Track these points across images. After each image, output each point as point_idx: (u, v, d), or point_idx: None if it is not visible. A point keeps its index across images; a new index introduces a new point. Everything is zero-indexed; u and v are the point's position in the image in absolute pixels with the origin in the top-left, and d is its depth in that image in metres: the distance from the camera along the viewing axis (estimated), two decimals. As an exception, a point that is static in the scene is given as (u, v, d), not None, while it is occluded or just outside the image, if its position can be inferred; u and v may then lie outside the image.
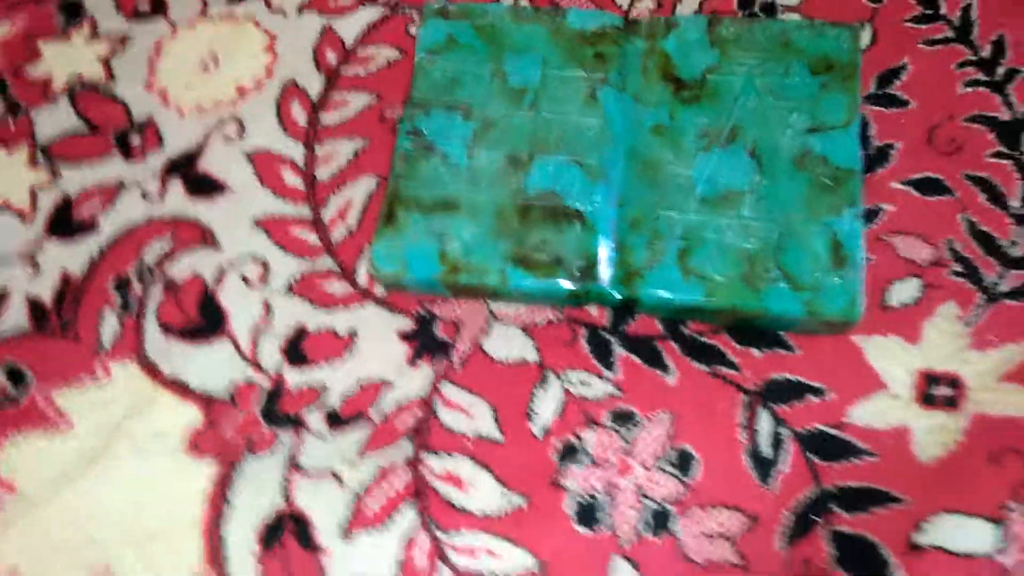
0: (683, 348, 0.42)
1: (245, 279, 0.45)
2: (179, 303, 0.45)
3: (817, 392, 0.41)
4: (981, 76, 0.47)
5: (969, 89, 0.47)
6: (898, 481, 0.39)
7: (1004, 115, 0.46)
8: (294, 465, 0.41)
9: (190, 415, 0.42)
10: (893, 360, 0.41)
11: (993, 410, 0.40)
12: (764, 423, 0.40)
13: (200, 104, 0.50)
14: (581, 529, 0.39)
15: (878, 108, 0.47)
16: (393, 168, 0.44)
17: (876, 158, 0.45)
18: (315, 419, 0.42)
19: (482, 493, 0.40)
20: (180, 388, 0.43)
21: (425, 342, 0.43)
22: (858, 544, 0.38)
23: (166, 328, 0.44)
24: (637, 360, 0.42)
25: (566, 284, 0.41)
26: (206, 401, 0.43)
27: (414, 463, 0.41)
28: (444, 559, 0.39)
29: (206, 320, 0.45)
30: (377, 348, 0.43)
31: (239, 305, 0.45)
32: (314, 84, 0.50)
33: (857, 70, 0.44)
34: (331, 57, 0.51)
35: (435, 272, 0.42)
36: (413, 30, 0.51)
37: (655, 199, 0.42)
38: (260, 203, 0.47)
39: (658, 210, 0.42)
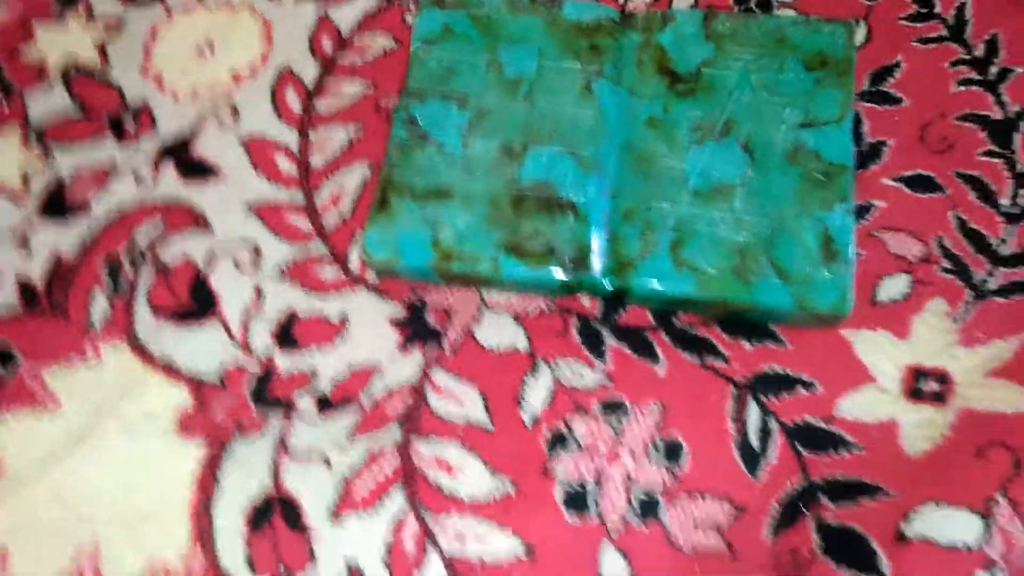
0: (674, 339, 0.42)
1: (237, 263, 0.45)
2: (170, 286, 0.45)
3: (806, 385, 0.41)
4: (974, 75, 0.47)
5: (962, 88, 0.47)
6: (885, 474, 0.39)
7: (996, 114, 0.46)
8: (284, 448, 0.41)
9: (180, 397, 0.42)
10: (882, 354, 0.41)
11: (980, 405, 0.40)
12: (753, 415, 0.41)
13: (195, 89, 0.50)
14: (570, 516, 0.39)
15: (871, 105, 0.47)
16: (387, 156, 0.44)
17: (868, 155, 0.46)
18: (305, 403, 0.42)
19: (471, 479, 0.40)
20: (170, 370, 0.43)
21: (416, 329, 0.43)
22: (845, 535, 0.38)
23: (157, 310, 0.44)
24: (628, 350, 0.42)
25: (558, 274, 0.41)
26: (196, 383, 0.43)
27: (404, 448, 0.41)
28: (433, 543, 0.39)
29: (197, 303, 0.44)
30: (368, 334, 0.43)
31: (230, 289, 0.45)
32: (309, 72, 0.50)
33: (851, 66, 0.45)
34: (327, 45, 0.51)
35: (427, 259, 0.42)
36: (409, 19, 0.51)
37: (648, 191, 0.42)
38: (253, 188, 0.47)
39: (651, 202, 0.42)
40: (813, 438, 0.40)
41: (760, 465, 0.40)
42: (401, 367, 0.42)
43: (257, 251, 0.45)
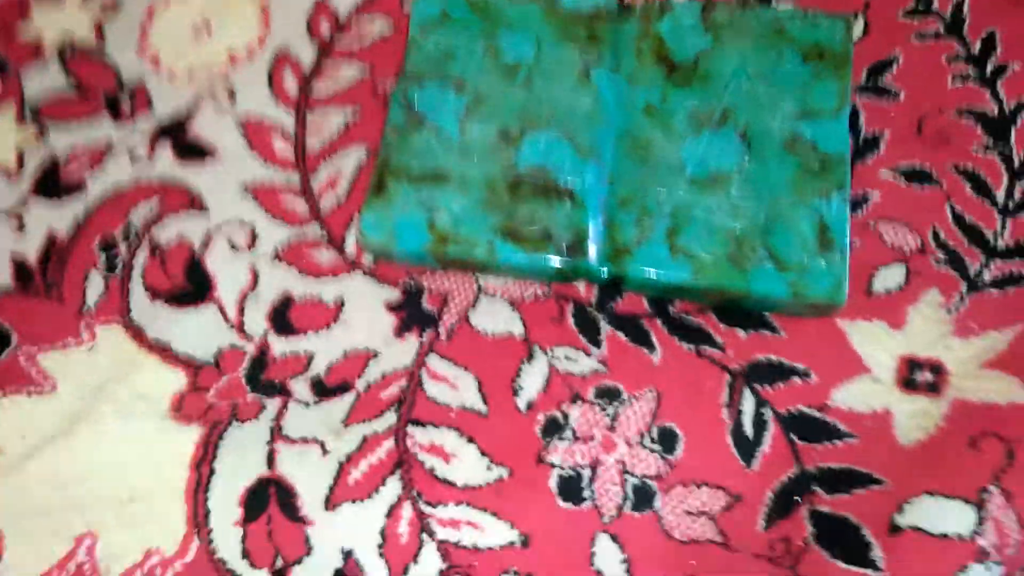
0: (669, 327, 0.42)
1: (232, 245, 0.45)
2: (166, 267, 0.45)
3: (801, 374, 0.41)
4: (971, 71, 0.47)
5: (959, 83, 0.47)
6: (879, 464, 0.39)
7: (992, 110, 0.46)
8: (279, 432, 0.41)
9: (175, 379, 0.42)
10: (877, 345, 0.41)
11: (974, 396, 0.40)
12: (748, 403, 0.41)
13: (191, 70, 0.49)
14: (564, 504, 0.39)
15: (868, 99, 0.47)
16: (384, 139, 0.44)
17: (865, 147, 0.46)
18: (300, 387, 0.42)
19: (466, 465, 0.40)
20: (165, 352, 0.43)
21: (412, 313, 0.43)
22: (838, 524, 0.38)
23: (152, 292, 0.44)
24: (623, 337, 0.42)
25: (554, 259, 0.41)
26: (191, 366, 0.42)
27: (399, 434, 0.41)
28: (427, 530, 0.39)
29: (192, 285, 0.44)
30: (364, 318, 0.43)
31: (226, 271, 0.44)
32: (307, 54, 0.50)
33: (849, 59, 0.45)
34: (325, 28, 0.50)
35: (423, 243, 0.42)
36: (407, 3, 0.51)
37: (645, 178, 0.42)
38: (249, 170, 0.47)
39: (647, 189, 0.42)
40: (807, 427, 0.40)
41: (754, 454, 0.40)
42: (397, 352, 0.42)
43: (253, 233, 0.45)
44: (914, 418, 0.40)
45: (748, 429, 0.40)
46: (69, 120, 0.48)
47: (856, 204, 0.44)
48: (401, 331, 0.43)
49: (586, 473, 0.40)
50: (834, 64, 0.45)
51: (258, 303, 0.44)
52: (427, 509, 0.39)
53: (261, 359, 0.42)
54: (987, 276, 0.43)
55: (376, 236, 0.42)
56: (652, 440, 0.40)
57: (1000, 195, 0.44)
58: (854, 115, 0.46)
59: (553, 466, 0.40)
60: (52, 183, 0.47)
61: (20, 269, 0.45)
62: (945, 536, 0.37)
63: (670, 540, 0.39)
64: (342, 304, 0.44)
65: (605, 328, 0.43)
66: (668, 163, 0.43)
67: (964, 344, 0.41)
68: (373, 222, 0.42)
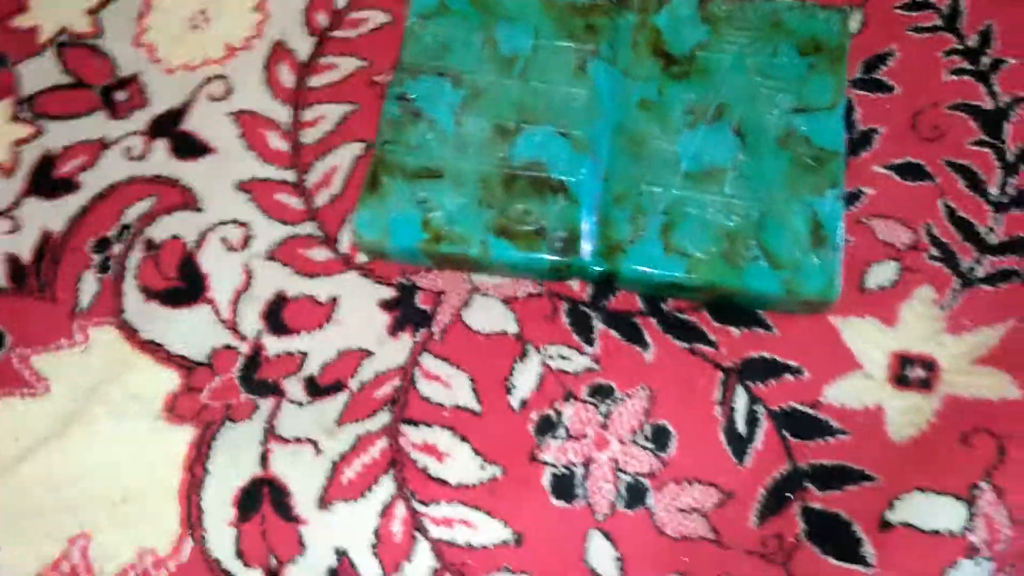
0: (662, 324, 0.43)
1: (227, 243, 0.45)
2: (159, 265, 0.44)
3: (793, 371, 0.41)
4: (967, 65, 0.47)
5: (954, 77, 0.47)
6: (871, 460, 0.39)
7: (987, 104, 0.46)
8: (272, 432, 0.41)
9: (168, 379, 0.42)
10: (869, 341, 0.41)
11: (966, 392, 0.40)
12: (740, 401, 0.41)
13: (187, 62, 0.49)
14: (557, 502, 0.40)
15: (864, 92, 0.47)
16: (379, 133, 0.44)
17: (860, 142, 0.46)
18: (294, 387, 0.42)
19: (459, 464, 0.40)
20: (158, 352, 0.43)
21: (406, 312, 0.43)
22: (830, 521, 0.39)
23: (145, 291, 0.44)
24: (616, 335, 0.42)
25: (548, 256, 0.41)
26: (185, 366, 0.42)
27: (392, 433, 0.41)
28: (420, 529, 0.39)
29: (186, 283, 0.44)
30: (358, 317, 0.43)
31: (219, 269, 0.44)
32: (303, 46, 0.49)
33: (845, 53, 0.45)
34: (321, 19, 0.50)
35: (418, 240, 0.41)
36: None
37: (640, 174, 0.42)
38: (244, 166, 0.46)
39: (642, 185, 0.42)
40: (799, 424, 0.40)
41: (747, 451, 0.40)
42: (390, 351, 0.42)
43: (247, 230, 0.45)
44: (906, 414, 0.40)
45: (741, 426, 0.40)
46: (65, 115, 0.48)
47: (850, 200, 0.44)
48: (395, 330, 0.43)
49: (579, 471, 0.40)
50: (830, 58, 0.44)
51: (252, 302, 0.44)
52: (420, 508, 0.40)
53: (255, 359, 0.42)
54: (980, 272, 0.43)
55: (370, 234, 0.42)
56: (645, 438, 0.40)
57: (993, 190, 0.44)
58: (849, 109, 0.46)
59: (546, 464, 0.40)
60: (46, 180, 0.46)
61: (15, 267, 0.45)
62: (936, 532, 0.38)
63: (663, 537, 0.39)
64: (336, 303, 0.43)
65: (598, 326, 0.43)
66: (663, 158, 0.43)
67: (956, 340, 0.41)
68: (368, 220, 0.42)
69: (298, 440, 0.41)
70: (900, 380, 0.41)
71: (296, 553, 0.39)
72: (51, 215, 0.46)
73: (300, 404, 0.41)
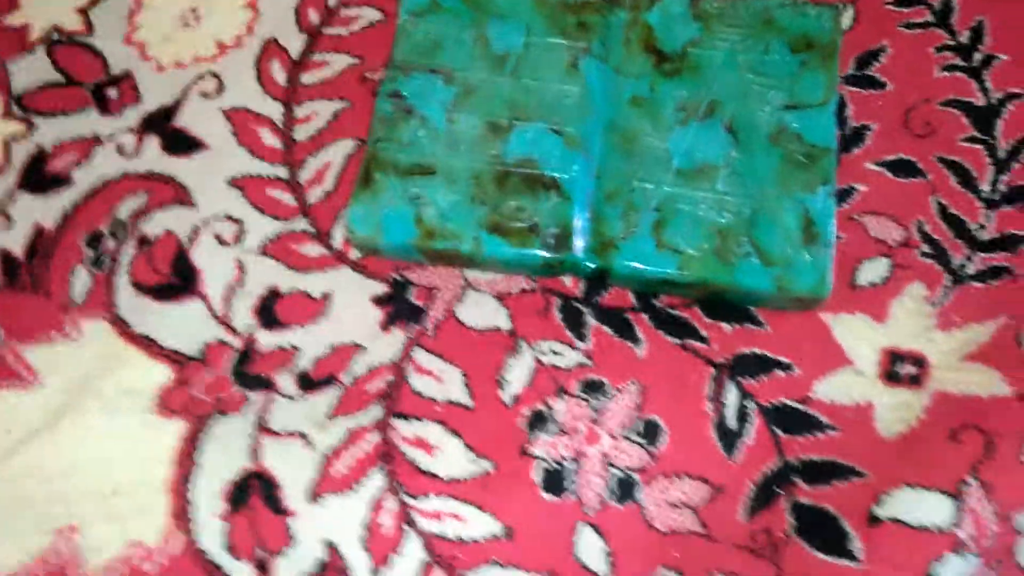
0: (654, 320, 0.43)
1: (219, 238, 0.45)
2: (152, 261, 0.45)
3: (784, 367, 0.41)
4: (959, 61, 0.47)
5: (946, 73, 0.47)
6: (860, 455, 0.39)
7: (979, 100, 0.46)
8: (263, 426, 0.41)
9: (160, 373, 0.42)
10: (860, 338, 0.42)
11: (956, 389, 0.40)
12: (731, 396, 0.41)
13: (179, 59, 0.49)
14: (547, 496, 0.40)
15: (856, 89, 0.47)
16: (371, 130, 0.44)
17: (852, 138, 0.46)
18: (286, 381, 0.42)
19: (450, 458, 0.40)
20: (151, 346, 0.43)
21: (399, 307, 0.43)
22: (819, 515, 0.39)
23: (138, 286, 0.44)
24: (609, 331, 0.43)
25: (540, 253, 0.41)
26: (177, 360, 0.43)
27: (383, 427, 0.41)
28: (410, 523, 0.39)
29: (179, 278, 0.44)
30: (350, 312, 0.43)
31: (212, 264, 0.44)
32: (295, 43, 0.49)
33: (836, 50, 0.45)
34: (313, 16, 0.50)
35: (410, 237, 0.42)
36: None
37: (632, 170, 0.42)
38: (236, 162, 0.47)
39: (634, 181, 0.42)
40: (790, 420, 0.40)
41: (737, 446, 0.40)
42: (382, 346, 0.42)
43: (240, 226, 0.45)
44: (896, 411, 0.40)
45: (731, 422, 0.41)
46: (56, 112, 0.48)
47: (842, 196, 0.44)
48: (387, 325, 0.43)
49: (570, 466, 0.40)
50: (822, 55, 0.45)
51: (244, 297, 0.44)
52: (411, 501, 0.40)
53: (247, 353, 0.43)
54: (971, 269, 0.43)
55: (363, 230, 0.42)
56: (636, 433, 0.41)
57: (985, 187, 0.44)
58: (841, 106, 0.46)
59: (537, 459, 0.40)
60: (39, 176, 0.47)
61: (7, 262, 0.45)
62: (923, 527, 0.38)
63: (652, 531, 0.39)
64: (329, 298, 0.44)
65: (591, 322, 0.43)
66: (655, 155, 0.43)
67: (946, 337, 0.41)
68: (360, 216, 0.42)
69: (289, 434, 0.41)
70: (890, 376, 0.41)
71: (286, 545, 0.39)
72: (43, 211, 0.46)
73: (292, 398, 0.42)
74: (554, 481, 0.40)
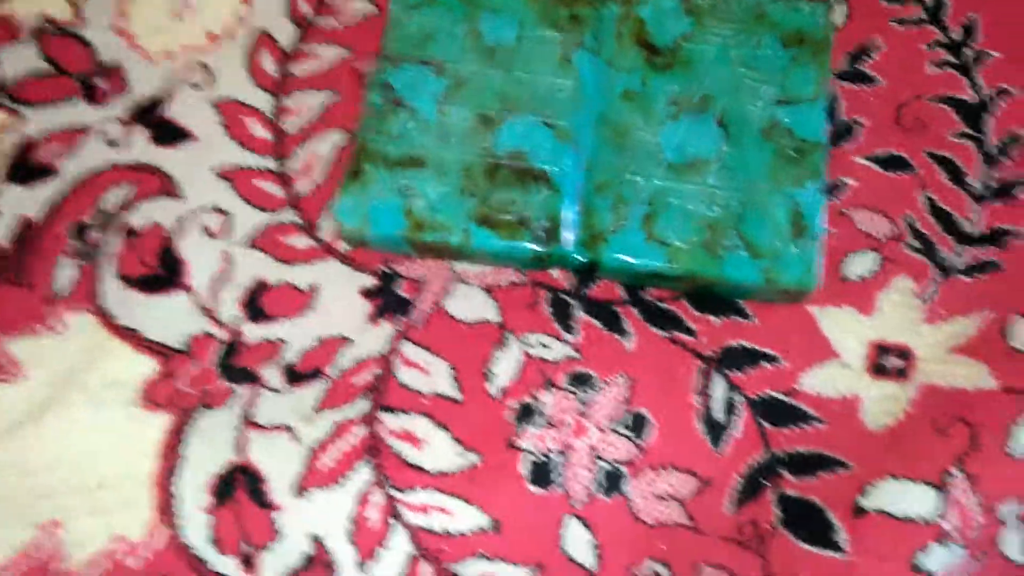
0: (643, 313, 0.43)
1: (206, 230, 0.45)
2: (138, 252, 0.44)
3: (771, 359, 0.41)
4: (950, 58, 0.47)
5: (938, 70, 0.47)
6: (846, 448, 0.40)
7: (970, 97, 0.46)
8: (249, 419, 0.41)
9: (146, 366, 0.42)
10: (847, 330, 0.42)
11: (942, 381, 0.40)
12: (718, 389, 0.41)
13: (169, 50, 0.49)
14: (534, 489, 0.40)
15: (848, 84, 0.47)
16: (362, 122, 0.43)
17: (843, 133, 0.46)
18: (272, 374, 0.42)
19: (437, 451, 0.40)
20: (136, 339, 0.43)
21: (387, 300, 0.43)
22: (804, 507, 0.39)
23: (124, 278, 0.44)
24: (597, 324, 0.42)
25: (530, 245, 0.41)
26: (162, 352, 0.42)
27: (370, 420, 0.41)
28: (397, 516, 0.39)
29: (165, 270, 0.44)
30: (338, 304, 0.43)
31: (199, 256, 0.44)
32: (286, 35, 0.49)
33: (828, 45, 0.45)
34: (305, 8, 0.50)
35: (399, 229, 0.41)
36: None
37: (622, 164, 0.42)
38: (225, 153, 0.46)
39: (625, 174, 0.42)
40: (776, 412, 0.40)
41: (724, 438, 0.40)
42: (370, 338, 0.42)
43: (227, 218, 0.45)
44: (882, 403, 0.40)
45: (718, 414, 0.41)
46: (44, 102, 0.48)
47: (832, 191, 0.44)
48: (375, 317, 0.43)
49: (557, 459, 0.40)
50: (813, 50, 0.45)
51: (231, 289, 0.43)
52: (397, 495, 0.40)
53: (233, 346, 0.42)
54: (958, 263, 0.43)
55: (351, 222, 0.42)
56: (623, 425, 0.41)
57: (974, 182, 0.44)
58: (833, 101, 0.46)
59: (524, 451, 0.40)
60: (25, 167, 0.46)
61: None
62: (909, 519, 0.38)
63: (639, 524, 0.39)
64: (316, 290, 0.43)
65: (579, 315, 0.43)
66: (646, 149, 0.43)
67: (933, 330, 0.41)
68: (349, 208, 0.42)
69: (275, 427, 0.41)
70: (877, 369, 0.41)
71: (271, 540, 0.39)
72: (29, 201, 0.45)
73: (278, 391, 0.41)
74: (541, 474, 0.40)
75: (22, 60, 0.49)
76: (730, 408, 0.41)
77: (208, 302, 0.43)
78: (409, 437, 0.41)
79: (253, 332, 0.43)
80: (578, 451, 0.40)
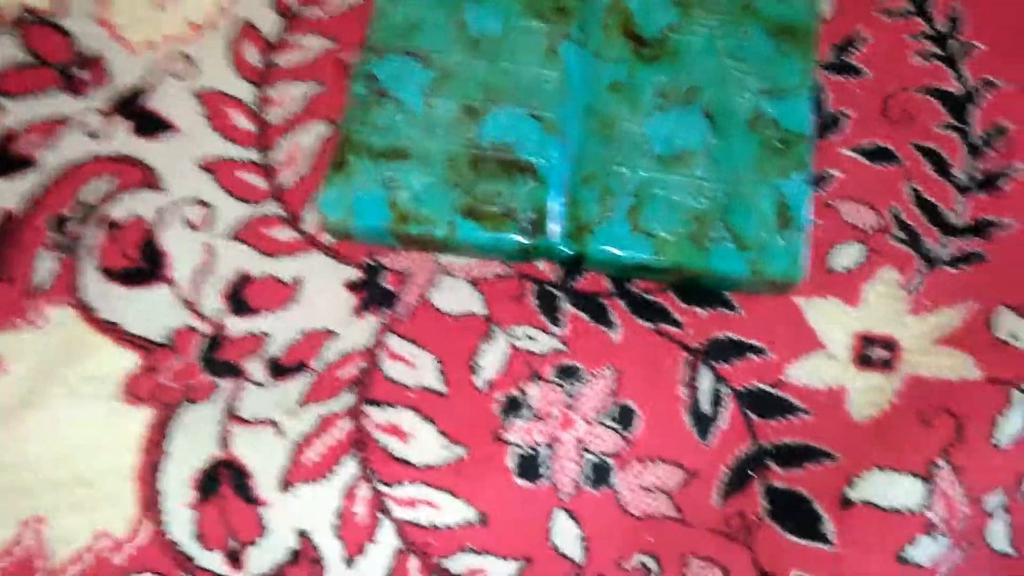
0: (629, 305, 0.42)
1: (188, 222, 0.44)
2: (119, 245, 0.44)
3: (757, 351, 0.41)
4: (936, 49, 0.47)
5: (924, 61, 0.47)
6: (832, 439, 0.40)
7: (955, 88, 0.46)
8: (233, 414, 0.41)
9: (127, 360, 0.42)
10: (832, 321, 0.42)
11: (927, 372, 0.41)
12: (705, 380, 0.41)
13: (151, 40, 0.48)
14: (522, 482, 0.40)
15: (834, 76, 0.47)
16: (346, 113, 0.43)
17: (829, 124, 0.46)
18: (256, 367, 0.41)
19: (424, 445, 0.40)
20: (118, 332, 0.42)
21: (372, 292, 0.43)
22: (791, 498, 0.39)
23: (105, 271, 0.43)
24: (584, 316, 0.42)
25: (516, 237, 0.41)
26: (144, 346, 0.42)
27: (356, 414, 0.41)
28: (384, 510, 0.39)
29: (147, 263, 0.43)
30: (322, 297, 0.43)
31: (181, 249, 0.44)
32: (270, 24, 0.49)
33: (814, 36, 0.45)
34: (288, -3, 0.49)
35: (383, 221, 0.41)
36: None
37: (609, 155, 0.42)
38: (207, 144, 0.46)
39: (611, 166, 0.42)
40: (763, 404, 0.40)
41: (711, 430, 0.40)
42: (355, 331, 0.42)
43: (210, 210, 0.44)
44: (867, 394, 0.40)
45: (705, 406, 0.41)
46: (24, 93, 0.47)
47: (818, 182, 0.44)
48: (360, 310, 0.43)
49: (544, 451, 0.40)
50: (799, 41, 0.44)
51: (214, 282, 0.43)
52: (384, 489, 0.39)
53: (216, 339, 0.42)
54: (944, 254, 0.43)
55: (335, 214, 0.41)
56: (610, 418, 0.40)
57: (959, 174, 0.45)
58: (819, 93, 0.46)
59: (511, 444, 0.40)
60: (4, 158, 0.45)
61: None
62: (895, 510, 0.38)
63: (627, 516, 0.39)
64: (300, 283, 0.43)
65: (566, 307, 0.43)
66: (633, 140, 0.43)
67: (919, 321, 0.42)
68: (333, 200, 0.41)
69: (259, 421, 0.40)
70: (862, 360, 0.41)
71: (257, 535, 0.39)
72: (9, 193, 0.45)
73: (262, 385, 0.41)
74: (529, 467, 0.40)
75: (1, 50, 0.48)
76: (717, 400, 0.41)
77: (191, 295, 0.43)
78: (395, 431, 0.40)
79: (236, 325, 0.42)
80: (565, 444, 0.40)
